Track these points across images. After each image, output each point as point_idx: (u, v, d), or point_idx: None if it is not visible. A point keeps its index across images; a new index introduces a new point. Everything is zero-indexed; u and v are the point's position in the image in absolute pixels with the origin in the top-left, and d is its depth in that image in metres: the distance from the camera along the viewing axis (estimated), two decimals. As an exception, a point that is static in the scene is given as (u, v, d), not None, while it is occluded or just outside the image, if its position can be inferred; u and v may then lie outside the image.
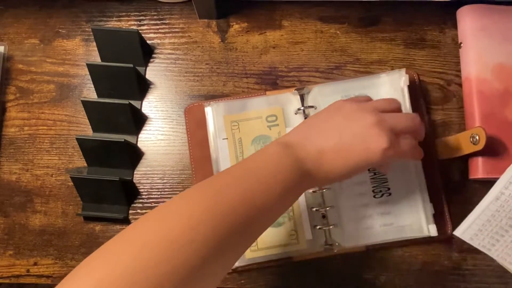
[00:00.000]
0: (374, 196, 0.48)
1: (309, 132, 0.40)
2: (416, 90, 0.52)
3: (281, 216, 0.48)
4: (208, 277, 0.31)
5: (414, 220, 0.48)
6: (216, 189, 0.35)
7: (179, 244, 0.30)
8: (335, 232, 0.48)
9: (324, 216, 0.48)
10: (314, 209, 0.48)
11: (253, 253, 0.48)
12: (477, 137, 0.46)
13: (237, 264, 0.48)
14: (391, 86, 0.50)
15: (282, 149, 0.38)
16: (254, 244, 0.48)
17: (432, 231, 0.47)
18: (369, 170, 0.49)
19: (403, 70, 0.50)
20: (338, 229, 0.48)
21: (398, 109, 0.43)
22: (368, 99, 0.45)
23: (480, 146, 0.46)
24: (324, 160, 0.38)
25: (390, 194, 0.48)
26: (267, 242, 0.48)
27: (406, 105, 0.49)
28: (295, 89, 0.51)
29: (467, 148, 0.47)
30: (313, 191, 0.49)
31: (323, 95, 0.50)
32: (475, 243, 0.46)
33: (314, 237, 0.48)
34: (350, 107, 0.41)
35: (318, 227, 0.48)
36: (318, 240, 0.48)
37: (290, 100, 0.51)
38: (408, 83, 0.49)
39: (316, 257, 0.49)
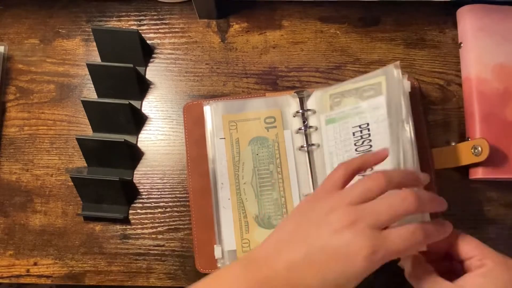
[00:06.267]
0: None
1: (280, 244, 0.34)
2: (416, 97, 0.51)
3: (275, 218, 0.49)
4: None
5: None
6: None
7: None
8: None
9: None
10: None
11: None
12: (480, 149, 0.46)
13: (228, 263, 0.48)
14: (388, 82, 0.47)
15: (241, 270, 0.33)
16: (246, 245, 0.48)
17: None
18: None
19: (405, 76, 0.48)
20: None
21: (392, 186, 0.34)
22: (354, 169, 0.37)
23: (482, 157, 0.46)
24: (296, 278, 0.32)
25: None
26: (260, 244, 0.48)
27: (407, 111, 0.48)
28: (294, 92, 0.51)
29: (468, 159, 0.47)
30: (308, 195, 0.48)
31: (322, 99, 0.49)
32: None
33: None
34: (318, 208, 0.34)
35: None
36: None
37: (289, 102, 0.51)
38: (410, 90, 0.48)
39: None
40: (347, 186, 0.36)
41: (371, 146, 0.46)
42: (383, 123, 0.45)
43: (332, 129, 0.48)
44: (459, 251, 0.36)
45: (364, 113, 0.46)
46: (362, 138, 0.46)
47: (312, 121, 0.49)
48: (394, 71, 0.45)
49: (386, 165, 0.42)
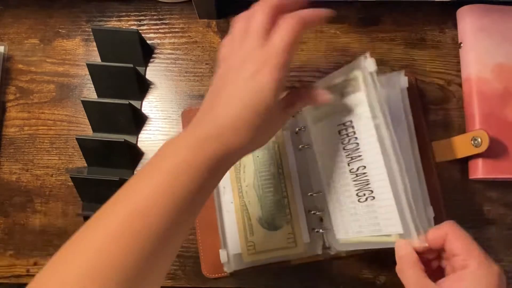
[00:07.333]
0: (359, 200, 0.43)
1: (210, 100, 0.37)
2: (415, 93, 0.52)
3: (279, 219, 0.48)
4: None
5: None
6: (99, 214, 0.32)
7: None
8: (332, 235, 0.47)
9: (322, 219, 0.48)
10: (312, 212, 0.48)
11: (250, 257, 0.48)
12: (479, 140, 0.46)
13: (234, 267, 0.48)
14: (390, 87, 0.49)
15: (184, 134, 0.36)
16: (252, 248, 0.48)
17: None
18: (350, 171, 0.44)
19: (402, 72, 0.49)
20: (333, 233, 0.47)
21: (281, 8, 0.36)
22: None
23: (482, 149, 0.46)
24: (223, 134, 0.34)
25: (373, 198, 0.43)
26: (264, 246, 0.48)
27: (405, 106, 0.49)
28: None
29: (468, 150, 0.47)
30: (310, 194, 0.48)
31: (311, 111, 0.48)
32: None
33: (312, 240, 0.48)
34: (235, 58, 0.37)
35: (315, 230, 0.48)
36: (315, 243, 0.48)
37: None
38: (407, 85, 0.49)
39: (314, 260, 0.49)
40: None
41: (358, 144, 0.43)
42: (368, 120, 0.41)
43: (320, 128, 0.47)
44: (449, 246, 0.36)
45: (347, 110, 0.44)
46: (348, 136, 0.44)
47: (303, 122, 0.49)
48: (366, 63, 0.41)
49: (378, 169, 0.41)
